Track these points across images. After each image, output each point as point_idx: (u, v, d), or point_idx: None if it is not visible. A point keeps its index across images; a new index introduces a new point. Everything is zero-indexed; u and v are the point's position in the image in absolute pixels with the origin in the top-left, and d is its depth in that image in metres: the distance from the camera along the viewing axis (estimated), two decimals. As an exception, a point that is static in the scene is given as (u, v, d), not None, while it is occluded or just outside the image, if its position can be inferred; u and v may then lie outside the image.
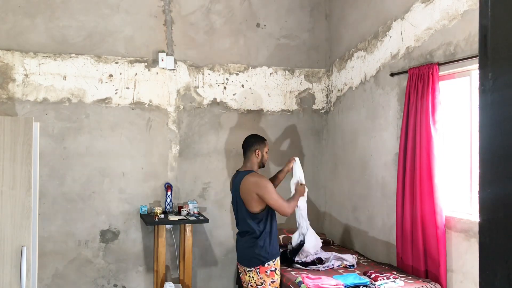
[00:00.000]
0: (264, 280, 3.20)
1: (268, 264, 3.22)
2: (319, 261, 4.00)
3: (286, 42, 5.12)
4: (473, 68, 3.37)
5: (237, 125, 4.92)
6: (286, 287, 3.57)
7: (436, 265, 3.51)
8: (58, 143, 4.36)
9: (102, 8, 4.50)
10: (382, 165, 4.29)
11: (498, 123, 0.77)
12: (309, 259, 3.98)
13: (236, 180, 3.37)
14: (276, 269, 3.26)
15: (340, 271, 3.82)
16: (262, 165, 3.45)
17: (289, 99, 5.13)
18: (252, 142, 3.42)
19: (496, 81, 0.77)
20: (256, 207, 3.24)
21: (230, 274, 4.89)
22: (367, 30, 4.55)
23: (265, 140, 3.50)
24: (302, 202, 3.70)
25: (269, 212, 3.28)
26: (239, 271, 3.45)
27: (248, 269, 3.28)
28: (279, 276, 3.30)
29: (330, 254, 4.08)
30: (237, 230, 3.45)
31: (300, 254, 4.00)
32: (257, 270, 3.22)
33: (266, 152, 3.45)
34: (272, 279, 3.22)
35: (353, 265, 3.96)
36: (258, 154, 3.39)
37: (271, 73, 5.06)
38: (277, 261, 3.29)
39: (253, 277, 3.24)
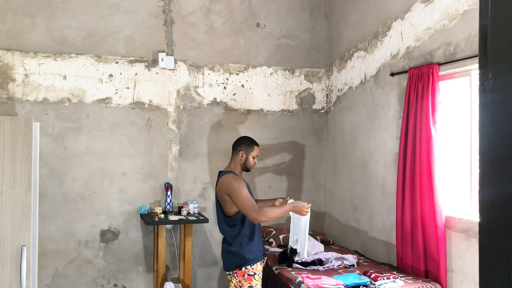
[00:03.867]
0: (242, 284, 3.12)
1: (246, 268, 3.11)
2: (319, 262, 4.00)
3: (286, 42, 5.12)
4: (473, 68, 3.37)
5: (237, 125, 4.92)
6: (286, 287, 3.57)
7: (436, 265, 3.51)
8: (58, 143, 4.37)
9: (102, 8, 4.50)
10: (382, 165, 4.29)
11: (498, 123, 0.77)
12: (309, 259, 3.98)
13: (217, 181, 3.27)
14: (255, 273, 3.13)
15: (340, 271, 3.81)
16: (246, 168, 3.28)
17: (289, 99, 5.13)
18: (239, 142, 3.29)
19: (496, 81, 0.77)
20: (230, 209, 3.13)
21: (230, 274, 4.89)
22: (367, 30, 4.55)
23: (256, 145, 3.29)
24: (302, 225, 3.27)
25: (242, 215, 3.13)
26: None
27: (227, 273, 3.23)
28: (259, 281, 3.17)
29: (330, 255, 4.08)
30: None
31: (300, 254, 4.00)
32: (235, 274, 3.14)
33: (254, 157, 3.26)
34: (250, 283, 3.11)
35: (353, 265, 3.96)
36: (242, 156, 3.24)
37: (271, 73, 5.06)
38: (257, 265, 3.16)
39: (232, 281, 3.17)
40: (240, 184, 3.09)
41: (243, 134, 4.89)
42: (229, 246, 3.18)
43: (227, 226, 3.19)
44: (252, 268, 3.13)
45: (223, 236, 3.31)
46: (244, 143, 3.28)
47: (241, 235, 3.13)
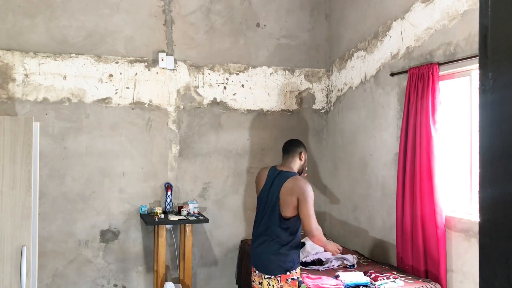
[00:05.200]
0: None
1: (290, 273, 3.03)
2: (319, 262, 4.00)
3: (286, 42, 5.12)
4: (473, 68, 3.37)
5: (237, 125, 4.92)
6: (286, 287, 3.56)
7: (436, 265, 3.51)
8: (58, 143, 4.37)
9: (102, 8, 4.50)
10: (382, 165, 4.29)
11: (498, 123, 0.77)
12: (309, 259, 3.98)
13: (277, 178, 3.10)
14: (298, 278, 3.08)
15: (340, 271, 3.81)
16: (301, 171, 3.23)
17: (289, 99, 5.13)
18: (298, 143, 3.24)
19: (496, 81, 0.77)
20: (290, 212, 3.01)
21: (230, 274, 4.89)
22: (367, 30, 4.55)
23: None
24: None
25: (298, 221, 3.06)
26: (252, 278, 3.21)
27: (267, 276, 3.05)
28: (298, 285, 3.09)
29: (330, 255, 4.08)
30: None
31: (300, 254, 4.00)
32: (278, 278, 3.01)
33: (305, 162, 3.27)
34: None
35: (353, 265, 3.95)
36: (302, 158, 3.19)
37: (271, 73, 5.06)
38: (299, 269, 3.13)
39: (273, 285, 3.03)
40: (312, 194, 3.03)
41: (243, 134, 4.91)
42: (278, 248, 3.04)
43: (280, 230, 3.04)
44: (296, 272, 3.06)
45: (261, 237, 3.13)
46: (302, 145, 3.23)
47: (294, 241, 3.06)
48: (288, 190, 3.01)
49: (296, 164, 3.19)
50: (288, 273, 3.03)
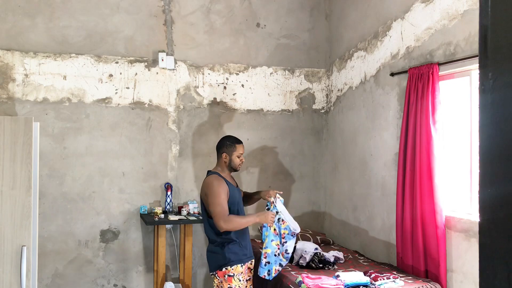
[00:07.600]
0: (223, 285, 3.12)
1: (226, 269, 3.11)
2: (320, 262, 3.98)
3: (286, 42, 5.12)
4: (473, 68, 3.37)
5: (237, 125, 4.92)
6: (286, 287, 3.57)
7: (436, 265, 3.51)
8: (58, 143, 4.37)
9: (102, 8, 4.50)
10: (382, 165, 4.29)
11: (498, 123, 0.77)
12: (303, 262, 3.94)
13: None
14: (234, 274, 3.11)
15: (341, 271, 3.81)
16: (231, 169, 3.27)
17: (289, 99, 5.13)
18: (221, 144, 3.30)
19: (496, 81, 0.77)
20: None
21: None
22: (367, 30, 4.55)
23: (238, 143, 3.29)
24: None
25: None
26: None
27: (211, 273, 3.23)
28: (239, 283, 3.13)
29: (310, 247, 4.06)
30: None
31: (295, 255, 4.00)
32: (216, 275, 3.15)
33: (238, 156, 3.25)
34: (229, 285, 3.09)
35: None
36: (225, 158, 3.24)
37: (271, 73, 5.06)
38: (237, 267, 3.13)
39: (215, 281, 3.19)
40: (219, 188, 3.10)
41: (243, 134, 4.90)
42: (211, 246, 3.20)
43: (208, 226, 3.20)
44: (232, 269, 3.12)
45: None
46: (225, 144, 3.29)
47: (223, 236, 3.13)
48: (202, 188, 3.22)
49: (220, 163, 3.29)
50: (224, 269, 3.11)
